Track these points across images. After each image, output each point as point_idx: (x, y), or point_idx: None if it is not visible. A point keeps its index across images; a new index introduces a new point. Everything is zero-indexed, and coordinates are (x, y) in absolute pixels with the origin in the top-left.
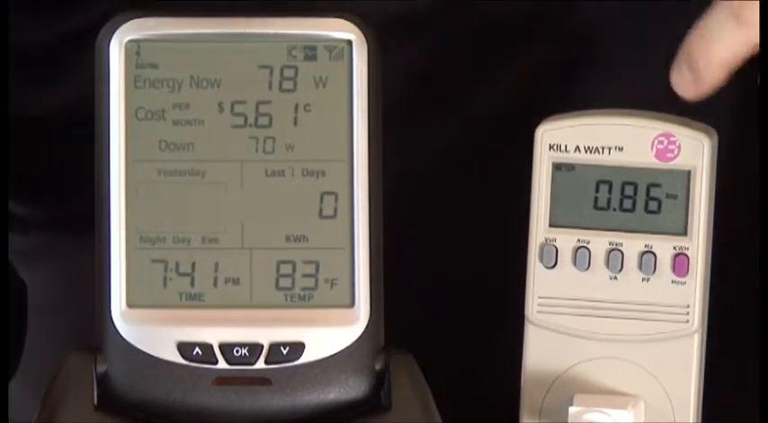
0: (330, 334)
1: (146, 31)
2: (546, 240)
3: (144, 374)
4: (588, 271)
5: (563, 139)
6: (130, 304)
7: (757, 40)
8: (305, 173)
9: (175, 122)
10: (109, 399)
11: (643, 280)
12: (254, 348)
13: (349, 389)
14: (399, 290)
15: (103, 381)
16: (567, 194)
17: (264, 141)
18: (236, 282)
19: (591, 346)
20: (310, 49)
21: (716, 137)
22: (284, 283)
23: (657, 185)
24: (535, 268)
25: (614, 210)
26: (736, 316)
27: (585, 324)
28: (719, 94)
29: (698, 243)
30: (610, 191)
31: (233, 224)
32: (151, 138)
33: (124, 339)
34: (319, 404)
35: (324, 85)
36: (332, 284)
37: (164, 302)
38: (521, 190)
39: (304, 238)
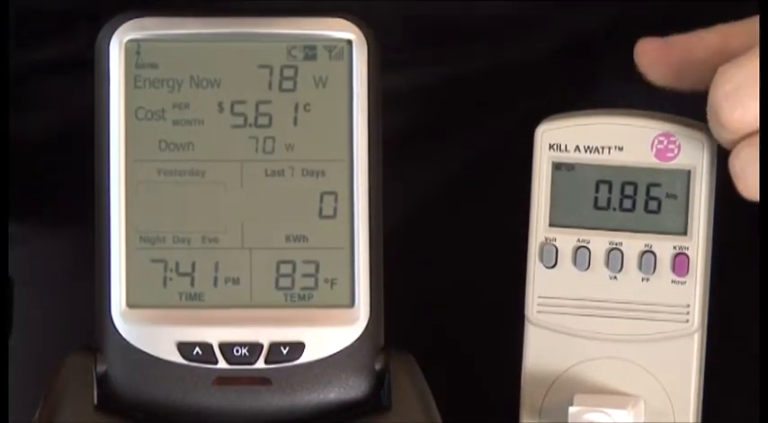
0: (330, 334)
1: (146, 31)
2: (546, 240)
3: (144, 374)
4: (588, 271)
5: (563, 139)
6: (130, 304)
7: (736, 136)
8: (305, 173)
9: (175, 122)
10: (109, 399)
11: (643, 280)
12: (254, 348)
13: (349, 389)
14: (399, 290)
15: (103, 381)
16: (566, 194)
17: (264, 141)
18: (236, 282)
19: (591, 346)
20: (310, 48)
21: None
22: (284, 282)
23: (657, 185)
24: (535, 268)
25: (614, 209)
26: (736, 316)
27: (585, 324)
28: None
29: (698, 243)
30: (610, 190)
31: (233, 224)
32: (151, 138)
33: (124, 339)
34: (319, 404)
35: (324, 85)
36: (332, 284)
37: (164, 302)
38: (521, 190)
39: (304, 238)
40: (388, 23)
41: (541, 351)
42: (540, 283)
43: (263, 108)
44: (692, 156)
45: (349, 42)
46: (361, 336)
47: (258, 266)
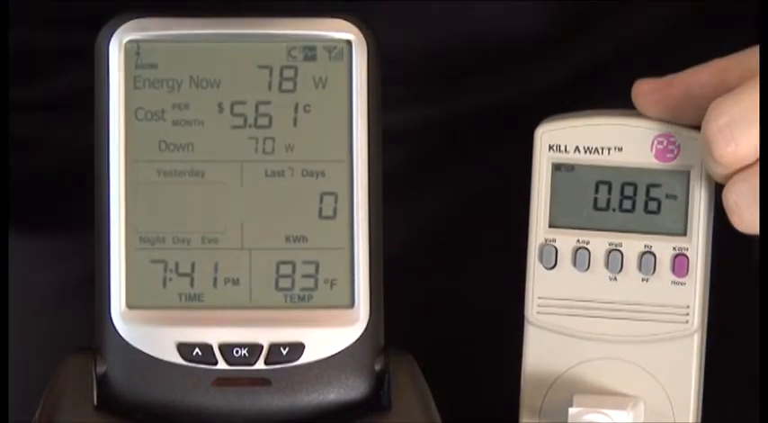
0: (330, 334)
1: (145, 32)
2: (545, 241)
3: (144, 375)
4: (588, 271)
5: (563, 140)
6: (130, 305)
7: (730, 171)
8: (304, 173)
9: (175, 123)
10: (108, 399)
11: (642, 280)
12: (254, 349)
13: (349, 389)
14: (399, 290)
15: (103, 381)
16: (566, 195)
17: (264, 142)
18: (235, 282)
19: (590, 347)
20: (310, 49)
21: None
22: (284, 283)
23: (657, 186)
24: (535, 269)
25: (614, 210)
26: (736, 316)
27: (585, 325)
28: None
29: (697, 243)
30: (609, 191)
31: (233, 224)
32: (151, 138)
33: (124, 340)
34: (319, 405)
35: (323, 86)
36: (331, 285)
37: (163, 303)
38: (521, 190)
39: (304, 239)
40: (391, 54)
41: (541, 352)
42: (540, 284)
43: (262, 108)
44: (692, 156)
45: (349, 43)
46: (360, 336)
47: (258, 267)
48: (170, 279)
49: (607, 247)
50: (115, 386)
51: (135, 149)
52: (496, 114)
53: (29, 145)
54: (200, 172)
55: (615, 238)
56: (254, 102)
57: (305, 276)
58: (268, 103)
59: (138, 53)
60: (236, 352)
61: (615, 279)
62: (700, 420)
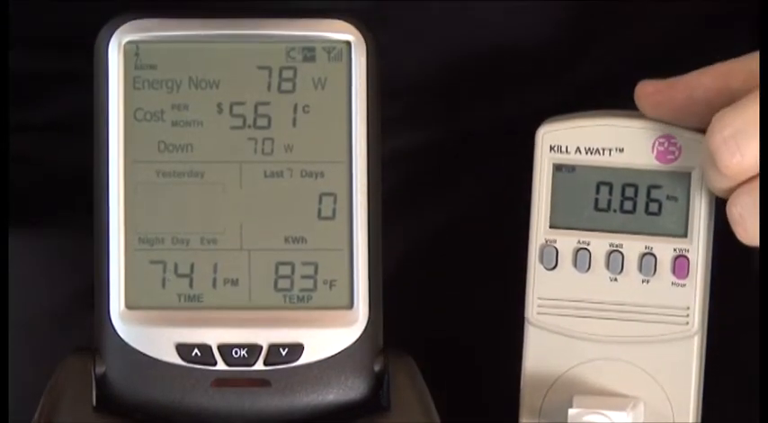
0: (329, 335)
1: (144, 32)
2: (546, 242)
3: (143, 376)
4: (588, 272)
5: (564, 141)
6: (129, 305)
7: (734, 183)
8: (304, 174)
9: (174, 123)
10: (107, 400)
11: (643, 282)
12: (253, 349)
13: (348, 390)
14: (398, 291)
15: (102, 382)
16: (567, 196)
17: (263, 142)
18: (234, 283)
19: (591, 348)
20: (309, 50)
21: None
22: (283, 284)
23: (658, 187)
24: (535, 269)
25: (615, 211)
26: (735, 317)
27: (585, 325)
28: None
29: (698, 245)
30: (610, 192)
31: (232, 225)
32: (150, 139)
33: (123, 340)
34: (318, 405)
35: (323, 87)
36: (331, 285)
37: (162, 304)
38: (521, 191)
39: (303, 240)
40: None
41: (541, 352)
42: (541, 285)
43: (261, 109)
44: (693, 158)
45: (348, 44)
46: (360, 337)
47: (257, 268)
48: (169, 280)
49: (608, 248)
50: (114, 387)
51: (134, 150)
52: (496, 128)
53: (29, 162)
54: (200, 173)
55: (616, 239)
56: (254, 102)
57: (304, 277)
58: (267, 103)
59: (137, 54)
60: (236, 352)
61: (615, 280)
62: (699, 421)
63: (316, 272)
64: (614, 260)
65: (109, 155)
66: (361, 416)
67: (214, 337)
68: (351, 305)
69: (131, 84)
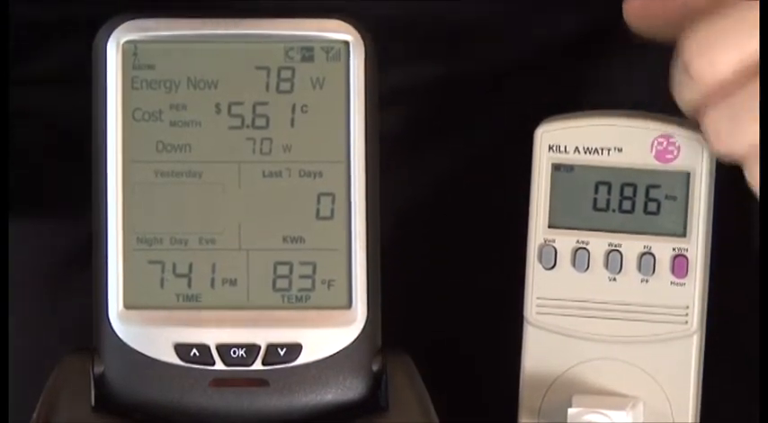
0: (327, 335)
1: (143, 32)
2: (545, 241)
3: (141, 375)
4: (587, 272)
5: (562, 140)
6: (128, 305)
7: (702, 94)
8: (302, 174)
9: (172, 123)
10: (106, 400)
11: (642, 281)
12: (252, 349)
13: (346, 390)
14: (397, 291)
15: (101, 382)
16: (566, 195)
17: (261, 142)
18: (233, 283)
19: (590, 348)
20: (307, 49)
21: None
22: (281, 284)
23: (657, 187)
24: (534, 269)
25: (613, 211)
26: (735, 317)
27: (584, 325)
28: None
29: (697, 244)
30: (609, 192)
31: (230, 225)
32: (148, 139)
33: (121, 340)
34: (317, 405)
35: (321, 86)
36: (329, 285)
37: (161, 303)
38: (520, 191)
39: (301, 240)
40: (385, 23)
41: (540, 352)
42: (539, 285)
43: (260, 109)
44: (692, 157)
45: (346, 43)
46: (358, 337)
47: (255, 268)
48: (167, 279)
49: (606, 247)
50: (113, 386)
51: (132, 150)
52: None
53: (28, 116)
54: (198, 173)
55: (615, 238)
56: (252, 102)
57: (302, 277)
58: (265, 103)
59: (135, 54)
60: (234, 352)
61: (614, 280)
62: (699, 420)
63: (314, 272)
64: (613, 260)
65: (107, 155)
66: (359, 416)
67: (212, 336)
68: (349, 305)
69: (129, 84)
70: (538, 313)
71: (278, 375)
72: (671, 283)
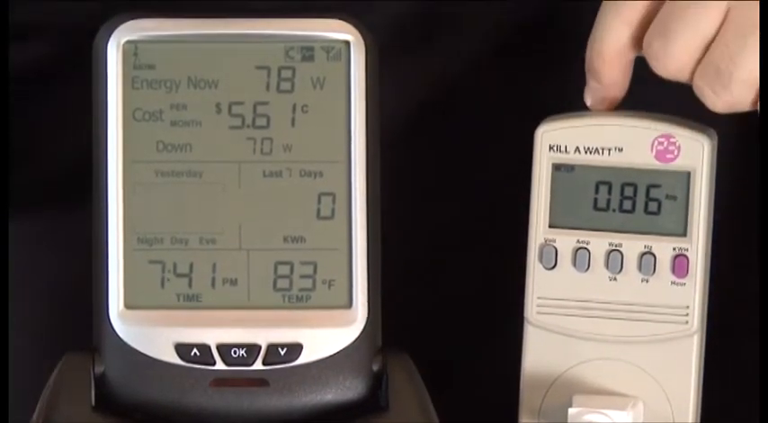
0: (328, 335)
1: (143, 32)
2: (545, 241)
3: (141, 375)
4: (588, 272)
5: (563, 140)
6: (128, 305)
7: (640, 36)
8: (302, 174)
9: (173, 123)
10: (106, 399)
11: (642, 281)
12: (252, 349)
13: (346, 390)
14: (397, 291)
15: (101, 381)
16: (566, 195)
17: (262, 142)
18: (233, 283)
19: (590, 347)
20: (308, 49)
21: (716, 138)
22: (282, 283)
23: (657, 186)
24: (534, 269)
25: (614, 211)
26: (735, 317)
27: (585, 325)
28: None
29: (697, 244)
30: (609, 192)
31: (231, 225)
32: (148, 139)
33: (122, 340)
34: (317, 405)
35: (321, 86)
36: (329, 285)
37: (161, 303)
38: (521, 190)
39: (301, 239)
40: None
41: (541, 352)
42: (540, 285)
43: (260, 109)
44: (692, 157)
45: (347, 43)
46: (358, 337)
47: (256, 267)
48: (168, 279)
49: (607, 247)
50: (113, 386)
51: (133, 150)
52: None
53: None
54: (198, 172)
55: (615, 238)
56: (252, 102)
57: (303, 277)
58: (266, 103)
59: (135, 54)
60: (234, 352)
61: (615, 279)
62: (699, 421)
63: (314, 271)
64: (614, 259)
65: (108, 155)
66: (359, 416)
67: (213, 336)
68: (349, 305)
69: (130, 83)
70: (538, 313)
71: (278, 375)
72: (671, 282)
